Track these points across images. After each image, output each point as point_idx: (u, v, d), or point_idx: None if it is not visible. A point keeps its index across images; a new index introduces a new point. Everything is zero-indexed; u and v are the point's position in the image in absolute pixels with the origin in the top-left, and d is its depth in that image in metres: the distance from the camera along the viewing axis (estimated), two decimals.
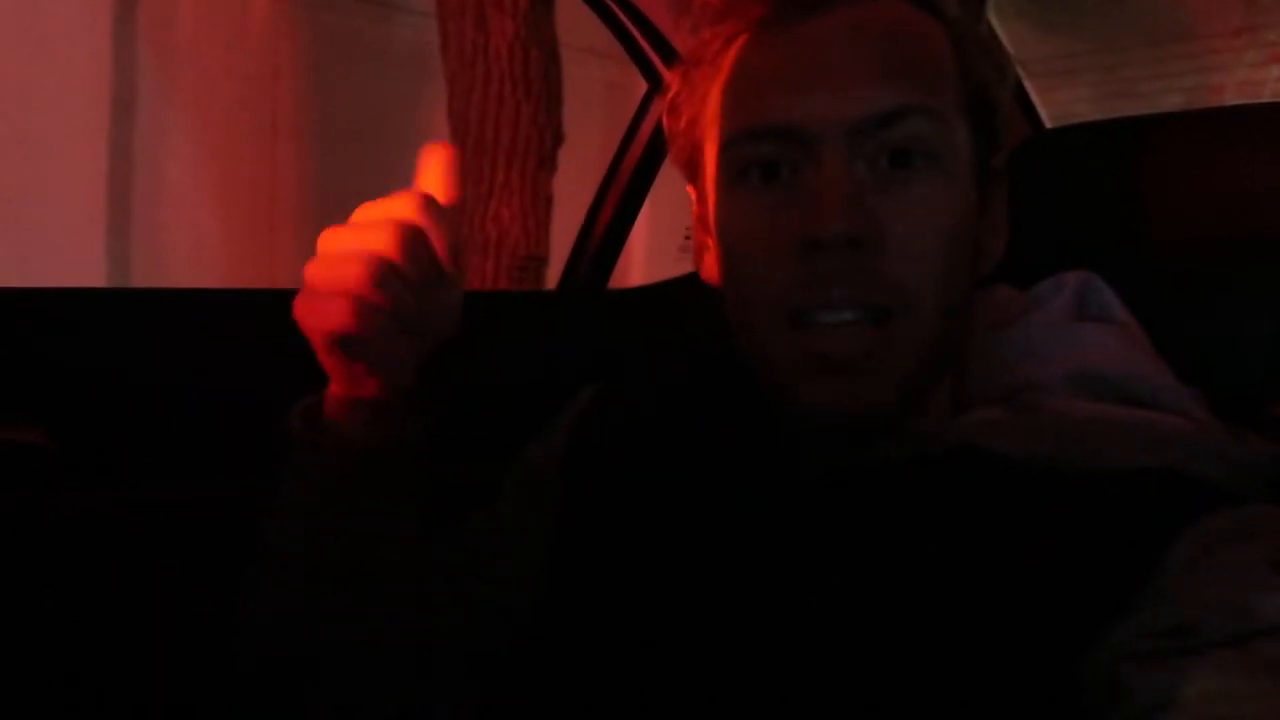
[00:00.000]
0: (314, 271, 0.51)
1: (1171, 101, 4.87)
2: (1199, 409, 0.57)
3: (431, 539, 0.66)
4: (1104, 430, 0.53)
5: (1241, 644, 0.41)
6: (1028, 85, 1.22)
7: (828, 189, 0.51)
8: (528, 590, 0.64)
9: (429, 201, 0.52)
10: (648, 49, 1.12)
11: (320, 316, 0.50)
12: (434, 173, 0.55)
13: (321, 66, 4.16)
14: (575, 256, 1.23)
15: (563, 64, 2.82)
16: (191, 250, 3.90)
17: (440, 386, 0.61)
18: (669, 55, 1.11)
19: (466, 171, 2.76)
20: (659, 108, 0.78)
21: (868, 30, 0.54)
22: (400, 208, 0.51)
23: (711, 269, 0.60)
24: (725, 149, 0.56)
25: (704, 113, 0.59)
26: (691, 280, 0.63)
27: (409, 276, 0.50)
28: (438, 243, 0.52)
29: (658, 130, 0.64)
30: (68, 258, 3.54)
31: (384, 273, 0.49)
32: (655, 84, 1.16)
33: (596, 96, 3.73)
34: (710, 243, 0.60)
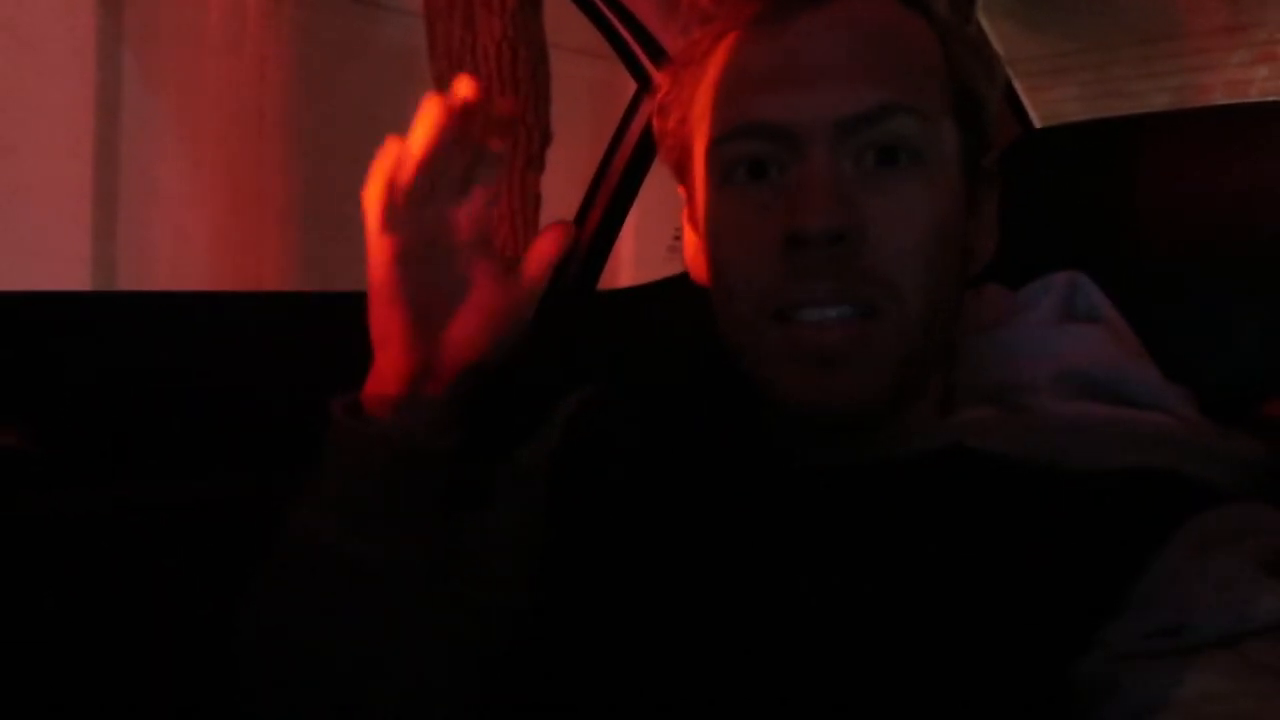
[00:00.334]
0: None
1: (1159, 101, 4.90)
2: (1188, 408, 0.57)
3: (426, 538, 0.66)
4: (1093, 430, 0.53)
5: (1233, 644, 0.41)
6: (1017, 85, 1.22)
7: (812, 185, 0.51)
8: (520, 591, 0.64)
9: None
10: (636, 48, 1.12)
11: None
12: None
13: (309, 67, 4.15)
14: (564, 257, 1.22)
15: (551, 63, 2.82)
16: (178, 252, 3.88)
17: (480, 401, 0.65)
18: (657, 54, 1.10)
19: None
20: (648, 107, 0.78)
21: (854, 28, 0.54)
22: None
23: (701, 268, 0.61)
24: (713, 147, 0.56)
25: (693, 112, 0.59)
26: (681, 281, 0.63)
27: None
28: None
29: (647, 130, 0.64)
30: (53, 260, 3.52)
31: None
32: (644, 83, 1.16)
33: (585, 96, 3.72)
34: (699, 242, 0.60)
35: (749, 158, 0.55)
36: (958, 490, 0.51)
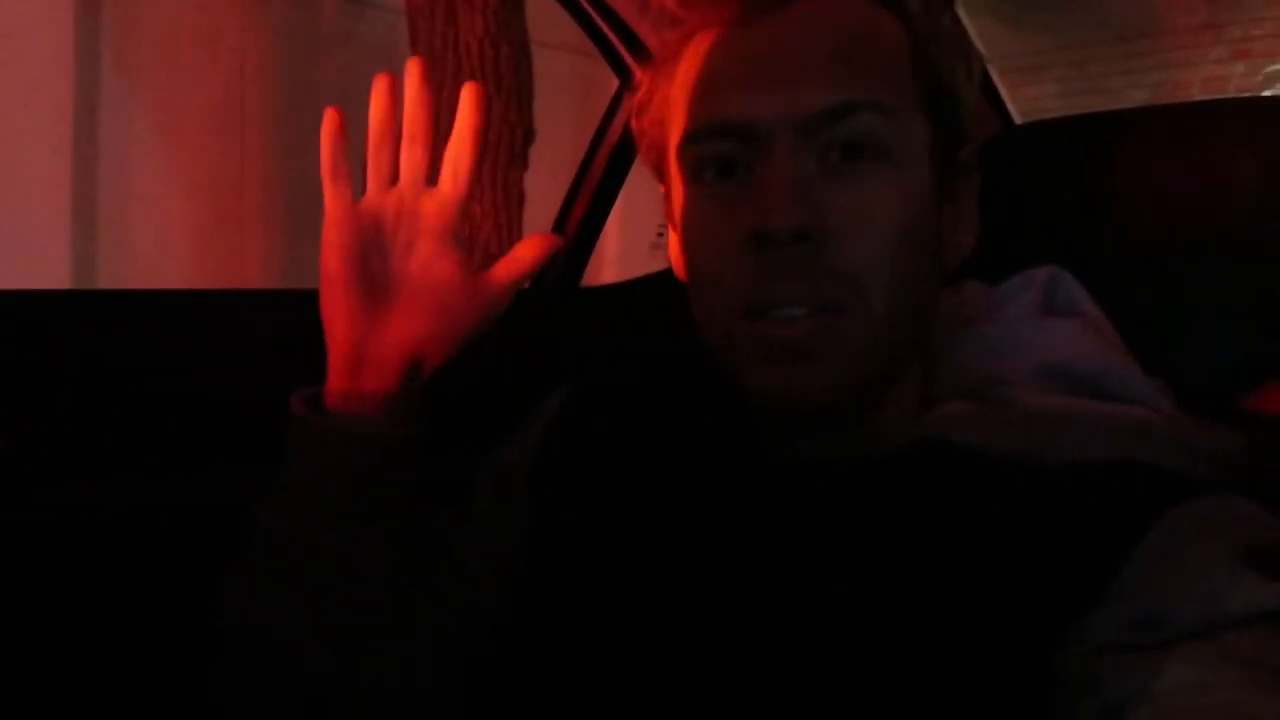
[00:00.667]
0: None
1: (1138, 97, 4.93)
2: (1166, 402, 0.58)
3: (405, 533, 0.66)
4: (1073, 424, 0.54)
5: (1211, 635, 0.42)
6: (997, 81, 1.23)
7: (776, 184, 0.52)
8: (501, 589, 0.64)
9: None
10: (617, 44, 1.12)
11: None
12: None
13: (290, 63, 4.13)
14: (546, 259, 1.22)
15: (533, 60, 2.81)
16: (159, 250, 3.85)
17: (445, 390, 0.63)
18: (639, 50, 1.10)
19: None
20: (630, 104, 0.78)
21: (819, 27, 0.54)
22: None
23: (681, 265, 0.61)
24: (682, 146, 0.57)
25: (666, 111, 0.60)
26: (664, 277, 0.63)
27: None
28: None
29: (629, 127, 0.64)
30: (33, 259, 3.49)
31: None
32: (626, 80, 1.16)
33: (568, 93, 3.72)
34: (677, 240, 0.61)
35: (717, 157, 0.55)
36: (937, 485, 0.52)
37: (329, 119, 0.61)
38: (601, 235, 1.24)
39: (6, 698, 0.79)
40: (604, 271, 3.45)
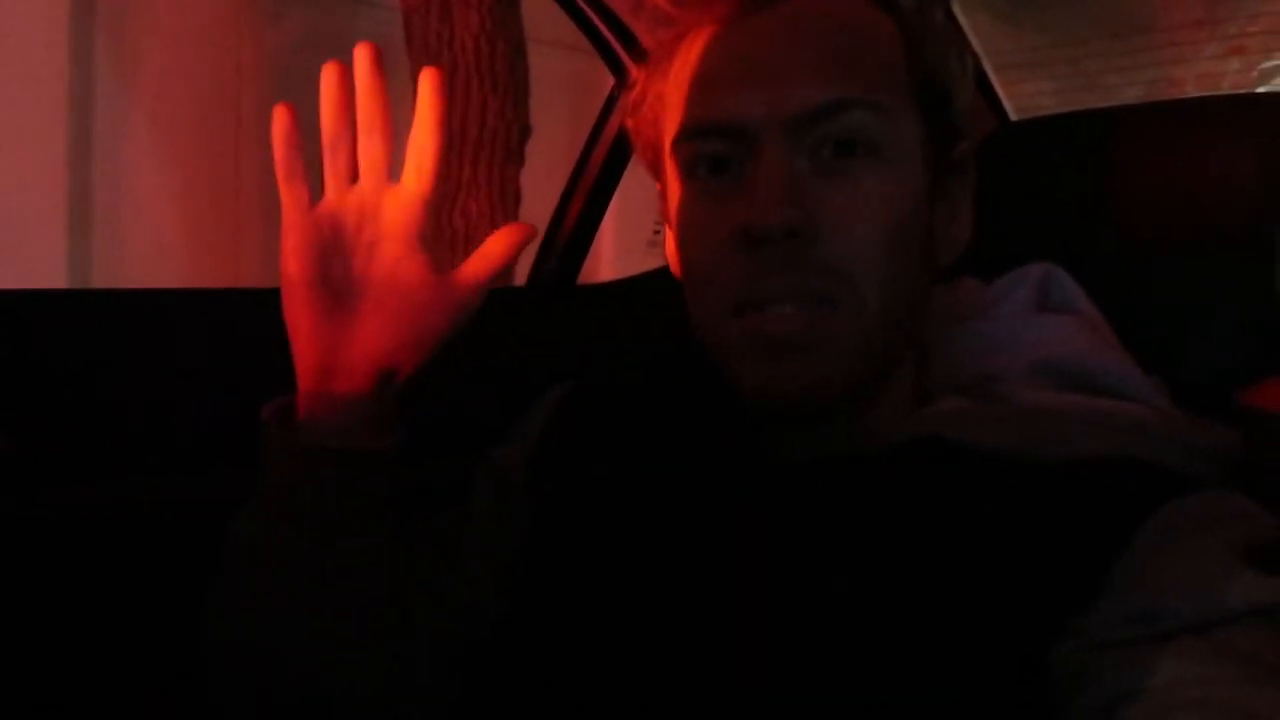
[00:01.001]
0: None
1: (1132, 94, 4.93)
2: (1161, 398, 0.58)
3: (403, 537, 0.66)
4: (1067, 420, 0.54)
5: (1207, 631, 0.42)
6: (992, 78, 1.23)
7: (766, 182, 0.52)
8: (501, 589, 0.64)
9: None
10: (613, 41, 1.12)
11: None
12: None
13: (284, 62, 4.11)
14: (544, 251, 1.22)
15: (529, 57, 2.81)
16: (155, 249, 3.84)
17: (422, 394, 0.61)
18: (634, 48, 1.10)
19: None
20: (625, 101, 0.78)
21: (809, 25, 0.54)
22: None
23: (676, 262, 0.61)
24: (675, 145, 0.57)
25: (661, 110, 0.60)
26: (661, 275, 0.63)
27: None
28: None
29: (625, 125, 0.65)
30: (28, 259, 3.48)
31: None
32: (621, 77, 1.16)
33: (564, 90, 3.71)
34: (673, 237, 0.61)
35: (709, 155, 0.55)
36: (931, 482, 0.52)
37: (279, 117, 0.58)
38: (599, 233, 1.24)
39: (7, 698, 0.79)
40: (601, 270, 3.44)
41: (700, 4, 0.57)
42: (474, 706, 0.62)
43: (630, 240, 3.68)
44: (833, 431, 0.56)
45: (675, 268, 0.63)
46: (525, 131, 2.79)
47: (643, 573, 0.57)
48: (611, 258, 3.95)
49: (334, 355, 0.58)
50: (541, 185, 1.98)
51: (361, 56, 0.58)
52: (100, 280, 3.73)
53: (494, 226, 2.76)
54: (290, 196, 0.58)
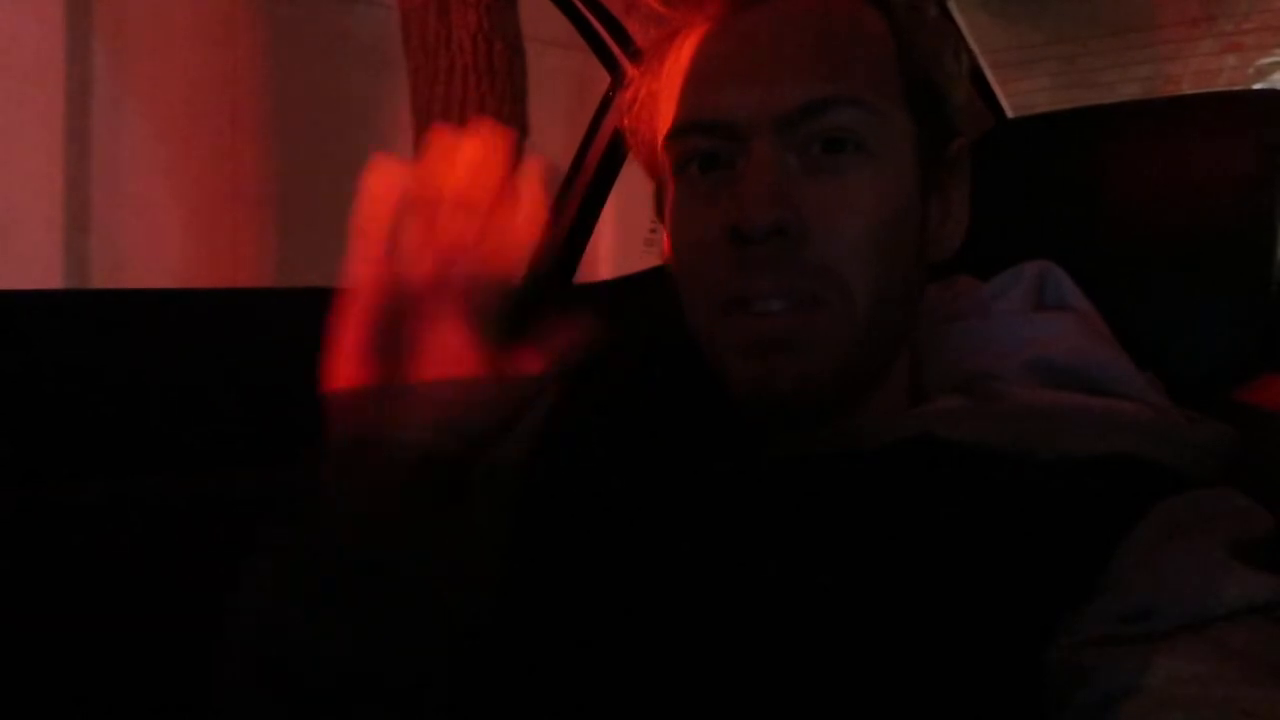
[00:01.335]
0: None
1: (1129, 91, 4.94)
2: (1157, 395, 0.58)
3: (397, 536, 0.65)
4: (1063, 418, 0.54)
5: (1202, 628, 0.42)
6: (989, 75, 1.23)
7: (754, 180, 0.52)
8: (495, 588, 0.64)
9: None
10: (608, 40, 1.12)
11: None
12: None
13: (281, 61, 4.11)
14: (541, 250, 1.22)
15: (526, 56, 2.81)
16: (151, 249, 3.84)
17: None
18: (629, 46, 1.10)
19: None
20: (621, 99, 0.78)
21: (801, 23, 0.55)
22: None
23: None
24: (666, 142, 0.57)
25: (654, 108, 0.60)
26: (658, 273, 0.63)
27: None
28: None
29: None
30: (26, 259, 3.48)
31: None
32: (617, 75, 1.16)
33: (561, 89, 3.71)
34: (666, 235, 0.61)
35: (700, 153, 0.56)
36: (924, 480, 0.52)
37: (385, 172, 0.51)
38: (597, 232, 1.24)
39: (7, 698, 0.79)
40: (599, 268, 3.45)
41: (691, 3, 0.57)
42: (471, 706, 0.62)
43: (629, 238, 3.68)
44: (826, 429, 0.56)
45: (669, 265, 0.63)
46: (522, 131, 2.79)
47: (637, 569, 0.57)
48: (610, 256, 3.95)
49: (374, 431, 0.52)
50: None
51: (484, 131, 0.51)
52: (98, 280, 3.72)
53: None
54: (368, 256, 0.51)
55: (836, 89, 0.53)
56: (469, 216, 0.51)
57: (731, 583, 0.53)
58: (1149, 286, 0.73)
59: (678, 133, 0.56)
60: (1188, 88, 4.85)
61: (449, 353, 0.51)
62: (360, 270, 0.51)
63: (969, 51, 1.02)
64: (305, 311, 0.61)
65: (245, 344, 0.91)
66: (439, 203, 0.50)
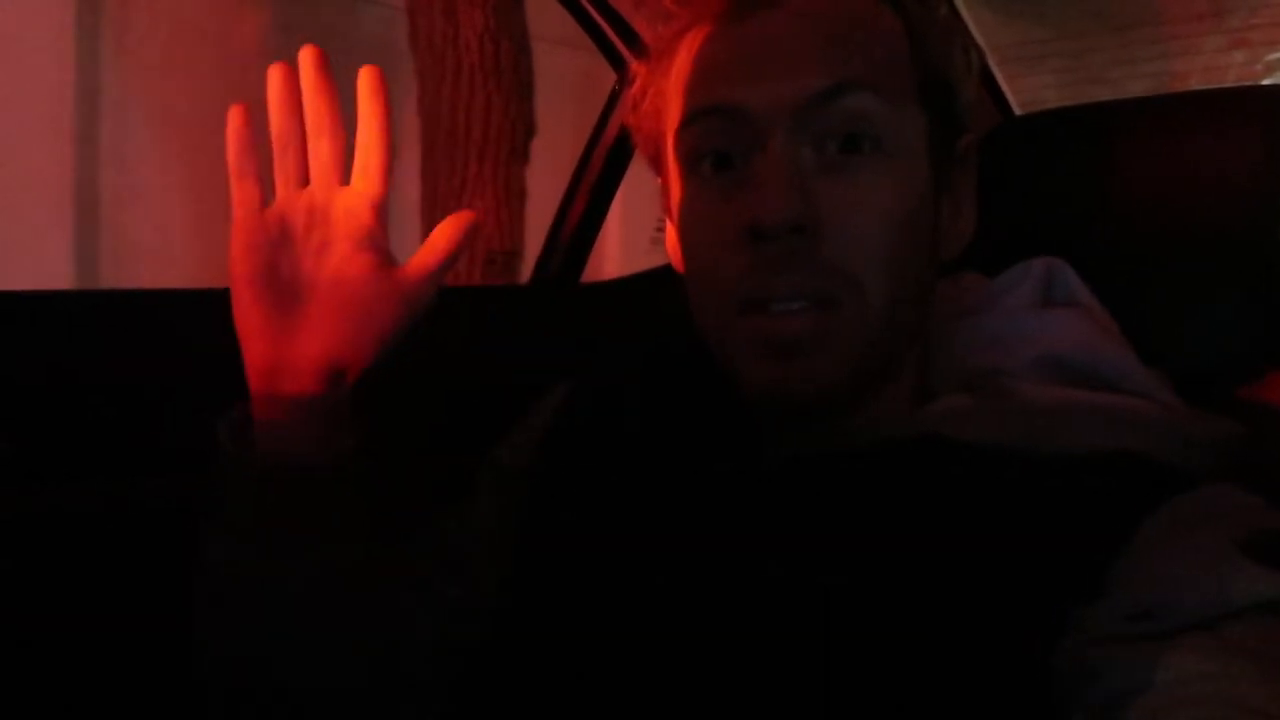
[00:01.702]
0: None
1: (1136, 87, 4.92)
2: (1165, 392, 0.58)
3: (400, 540, 0.65)
4: (1070, 415, 0.54)
5: (1210, 626, 0.41)
6: (996, 72, 1.23)
7: (772, 175, 0.52)
8: (502, 589, 0.64)
9: None
10: (614, 38, 1.12)
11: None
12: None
13: (290, 59, 4.11)
14: (548, 250, 1.22)
15: (533, 55, 2.81)
16: (161, 247, 3.85)
17: (376, 395, 0.59)
18: (636, 44, 1.10)
19: (439, 165, 2.75)
20: (628, 98, 0.78)
21: (813, 19, 0.55)
22: None
23: (679, 259, 0.61)
24: (678, 134, 0.57)
25: (662, 105, 0.60)
26: (665, 272, 0.63)
27: None
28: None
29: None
30: (34, 255, 3.49)
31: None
32: (623, 73, 1.16)
33: (568, 88, 3.71)
34: (675, 234, 0.61)
35: (713, 146, 0.55)
36: (932, 478, 0.52)
37: (233, 117, 0.59)
38: (604, 231, 1.24)
39: (6, 698, 0.79)
40: (605, 267, 3.44)
41: (701, 0, 0.57)
42: (477, 707, 0.62)
43: (635, 238, 3.68)
44: (835, 428, 0.56)
45: (677, 264, 0.63)
46: (530, 130, 2.79)
47: (645, 569, 0.57)
48: (617, 255, 3.95)
49: (282, 356, 0.57)
50: (547, 183, 1.98)
51: (306, 59, 0.58)
52: (106, 276, 3.73)
53: (499, 225, 2.77)
54: (241, 196, 0.59)
55: (853, 75, 0.53)
56: (324, 143, 0.58)
57: (739, 583, 0.53)
58: (1156, 282, 0.73)
59: (691, 119, 0.56)
60: (1196, 84, 4.82)
61: (337, 272, 0.58)
62: (238, 207, 0.59)
63: (977, 48, 1.02)
64: None
65: None
66: (292, 134, 0.59)
